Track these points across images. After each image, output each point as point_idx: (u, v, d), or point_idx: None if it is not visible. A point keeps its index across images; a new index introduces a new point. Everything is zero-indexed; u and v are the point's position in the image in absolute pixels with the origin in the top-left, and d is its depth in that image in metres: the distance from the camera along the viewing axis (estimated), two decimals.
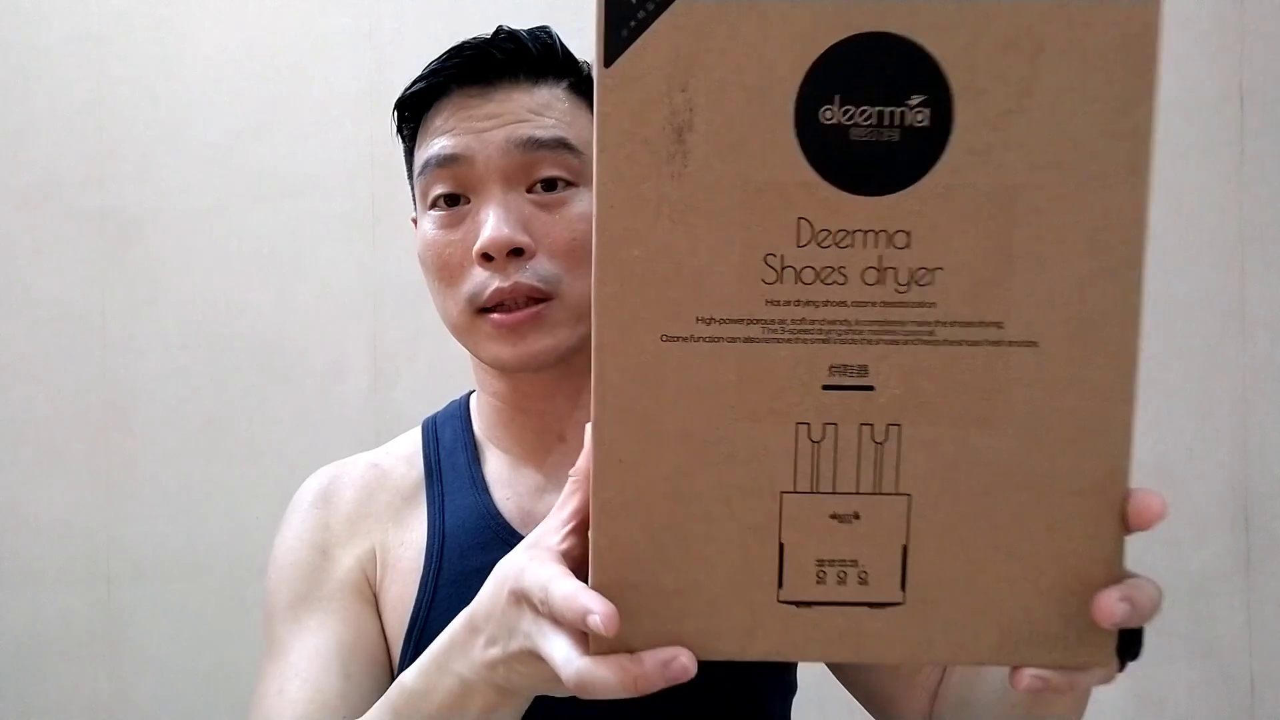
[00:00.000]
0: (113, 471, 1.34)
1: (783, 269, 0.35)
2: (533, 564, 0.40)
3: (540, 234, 0.59)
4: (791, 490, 0.37)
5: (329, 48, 1.34)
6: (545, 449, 0.66)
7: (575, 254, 0.60)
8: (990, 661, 0.38)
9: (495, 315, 0.59)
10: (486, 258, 0.59)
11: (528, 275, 0.58)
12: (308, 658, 0.60)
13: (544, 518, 0.61)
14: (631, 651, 0.37)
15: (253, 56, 1.34)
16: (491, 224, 0.58)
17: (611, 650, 0.37)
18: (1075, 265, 0.35)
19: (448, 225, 0.61)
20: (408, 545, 0.64)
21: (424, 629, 0.60)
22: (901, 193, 0.35)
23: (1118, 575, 0.37)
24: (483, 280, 0.59)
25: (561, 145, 0.60)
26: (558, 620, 0.38)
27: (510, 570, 0.42)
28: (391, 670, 0.62)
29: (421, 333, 1.33)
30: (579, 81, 0.64)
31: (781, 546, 0.37)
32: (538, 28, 0.64)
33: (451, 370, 1.35)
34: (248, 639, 1.32)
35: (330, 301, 1.34)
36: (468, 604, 0.55)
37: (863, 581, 0.37)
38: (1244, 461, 1.34)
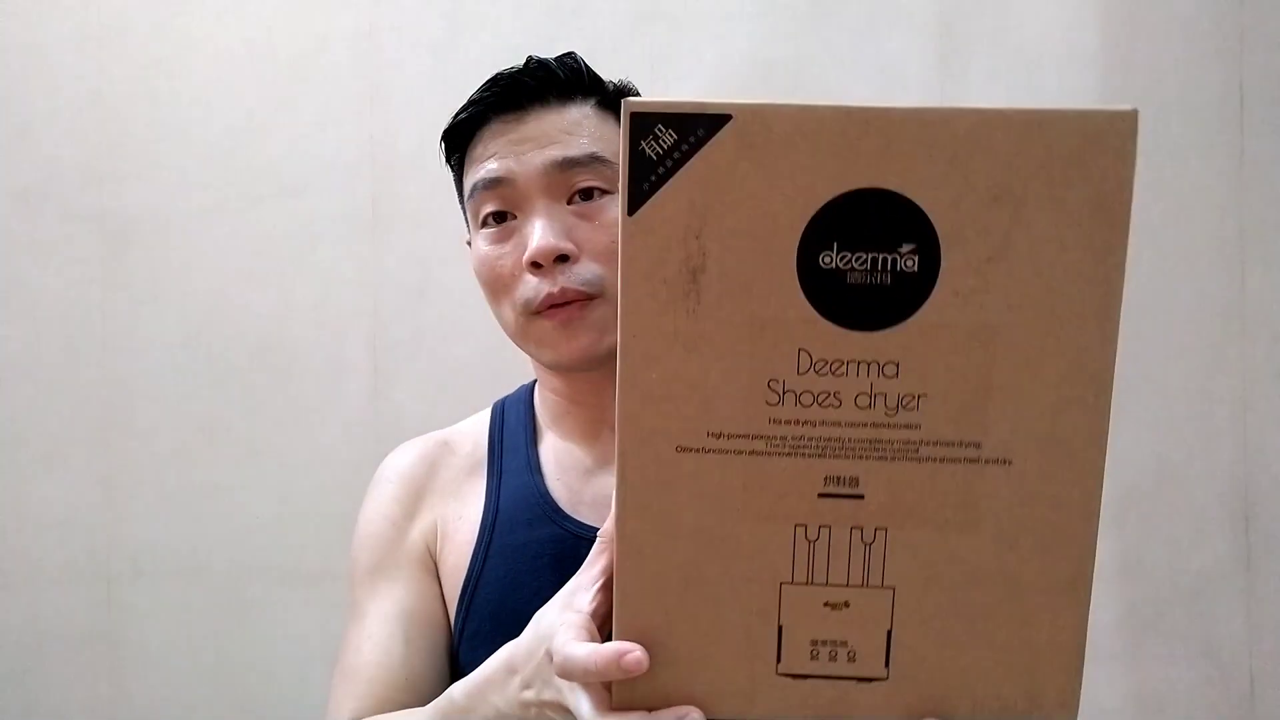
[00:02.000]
0: (113, 471, 1.34)
1: (784, 392, 0.40)
2: (564, 630, 0.46)
3: (582, 240, 0.66)
4: (790, 581, 0.42)
5: (329, 48, 1.34)
6: (596, 436, 0.72)
7: (615, 255, 0.64)
8: None
9: (547, 312, 0.66)
10: (536, 266, 0.65)
11: (574, 280, 0.65)
12: (379, 621, 0.69)
13: (589, 500, 0.70)
14: (650, 709, 0.43)
15: (253, 56, 1.34)
16: (538, 234, 0.65)
17: (631, 705, 0.43)
18: (1048, 394, 0.40)
19: (498, 240, 0.68)
20: (465, 519, 0.71)
21: (474, 595, 0.68)
22: (892, 329, 0.40)
23: (1078, 660, 0.42)
24: (535, 287, 0.66)
25: (594, 159, 0.67)
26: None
27: (545, 628, 0.48)
28: (449, 633, 0.70)
29: (421, 333, 1.33)
30: (605, 98, 0.71)
31: (780, 628, 0.43)
32: (565, 54, 0.70)
33: (452, 370, 1.35)
34: (248, 639, 1.33)
35: (330, 301, 1.34)
36: (514, 574, 0.67)
37: (851, 659, 0.43)
38: (1244, 461, 1.34)
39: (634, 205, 0.39)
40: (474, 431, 0.76)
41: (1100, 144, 0.38)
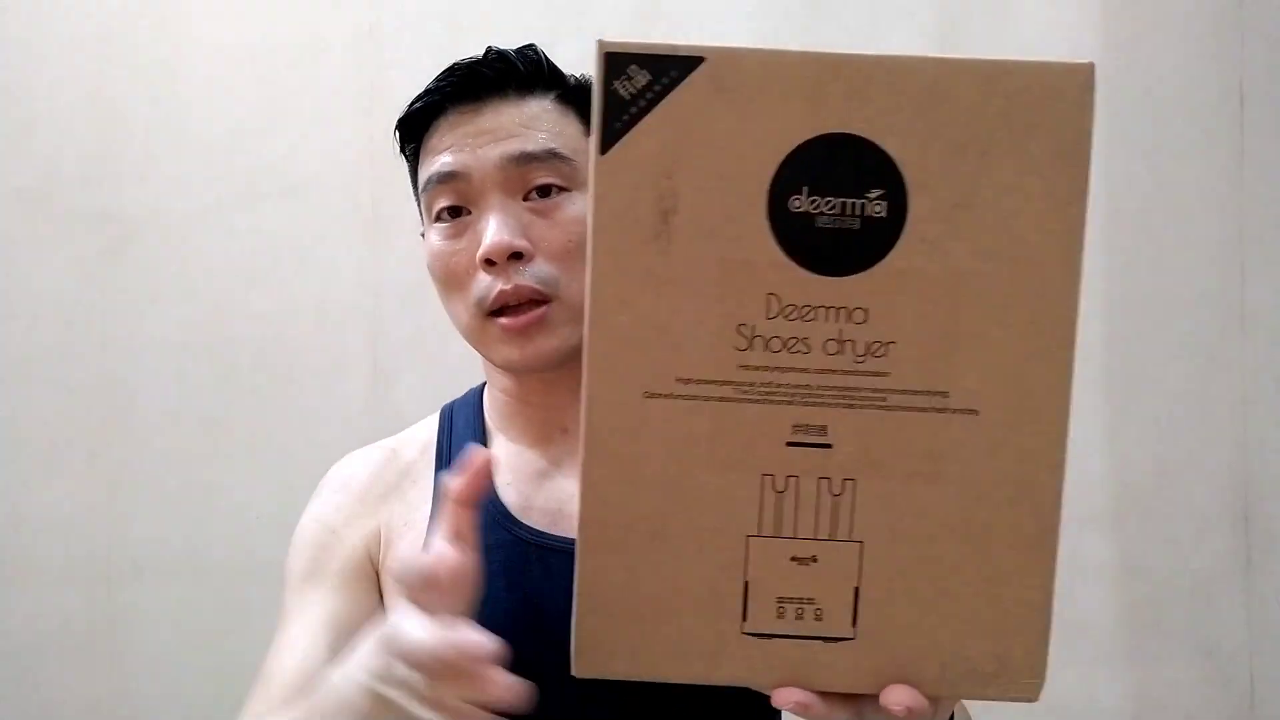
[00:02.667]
0: (113, 471, 1.34)
1: (753, 338, 0.40)
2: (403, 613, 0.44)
3: (537, 239, 0.64)
4: (756, 534, 0.41)
5: (329, 48, 1.34)
6: (548, 439, 0.70)
7: (571, 255, 0.64)
8: (931, 693, 0.42)
9: (503, 320, 0.64)
10: (489, 263, 0.63)
11: (528, 277, 0.63)
12: (304, 629, 0.67)
13: (540, 505, 0.67)
14: (612, 671, 0.43)
15: (253, 56, 1.34)
16: (492, 230, 0.63)
17: (593, 670, 0.43)
18: (1014, 344, 0.40)
19: (451, 236, 0.66)
20: (411, 525, 0.68)
21: None
22: (860, 274, 0.40)
23: (1046, 620, 0.42)
24: (487, 284, 0.64)
25: (552, 155, 0.65)
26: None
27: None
28: None
29: (421, 333, 1.33)
30: (566, 93, 0.68)
31: (746, 584, 0.42)
32: (525, 46, 0.69)
33: (452, 370, 1.35)
34: (248, 639, 1.32)
35: (330, 301, 1.34)
36: None
37: (818, 618, 0.42)
38: (1244, 461, 1.34)
39: (606, 145, 0.39)
40: (421, 438, 0.74)
41: (1059, 95, 0.39)
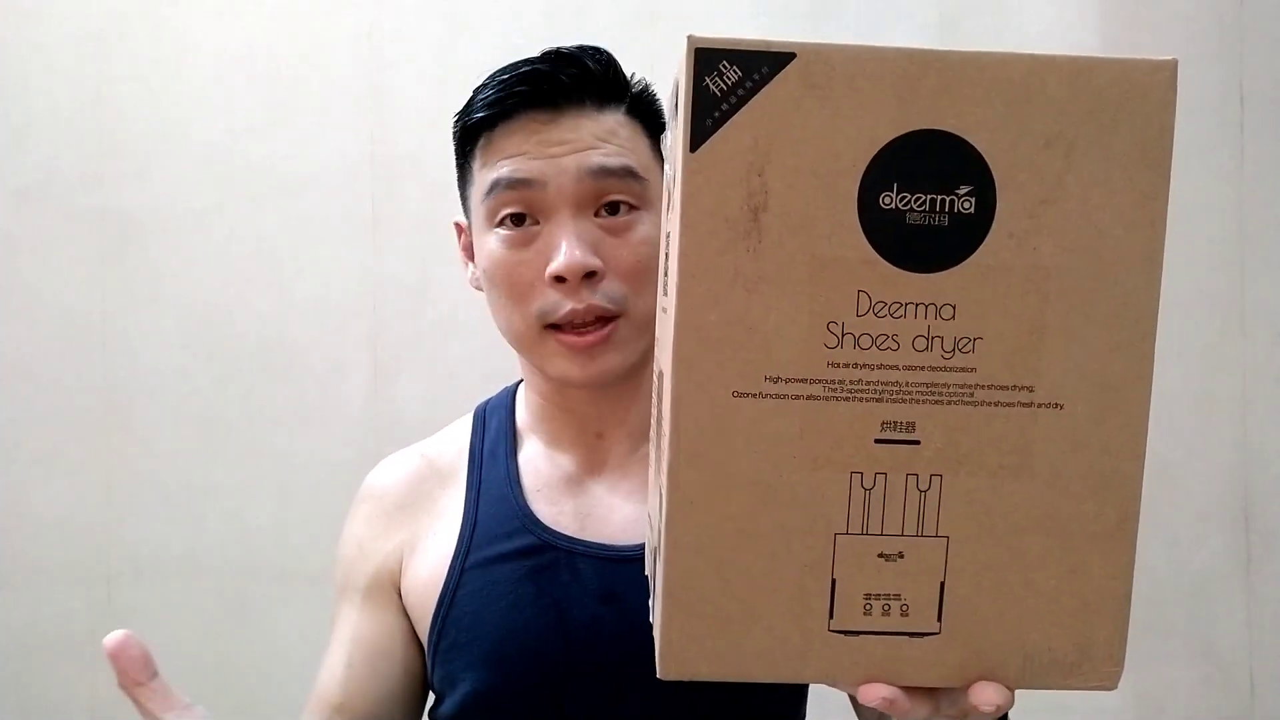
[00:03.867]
0: (113, 471, 1.34)
1: (843, 335, 0.40)
2: None
3: (608, 256, 0.63)
4: (844, 532, 0.41)
5: (329, 48, 1.34)
6: (584, 444, 0.70)
7: (640, 275, 0.63)
8: (1014, 685, 0.42)
9: (567, 336, 0.63)
10: (560, 280, 0.62)
11: (599, 297, 0.62)
12: (335, 645, 0.70)
13: (570, 511, 0.68)
14: (699, 673, 0.42)
15: (253, 56, 1.34)
16: (566, 249, 0.61)
17: (679, 672, 0.42)
18: (1098, 338, 0.40)
19: (517, 245, 0.64)
20: (441, 533, 0.69)
21: (449, 608, 0.67)
22: (949, 271, 0.39)
23: (1125, 610, 0.42)
24: (555, 300, 0.62)
25: (629, 174, 0.64)
26: None
27: None
28: (404, 659, 0.69)
29: (421, 333, 1.33)
30: (633, 104, 0.67)
31: (834, 581, 0.41)
32: (593, 49, 0.66)
33: (452, 370, 1.35)
34: (248, 639, 1.33)
35: (330, 301, 1.34)
36: (492, 586, 0.65)
37: (904, 614, 0.42)
38: (1244, 461, 1.34)
39: (696, 142, 0.39)
40: (456, 441, 0.74)
41: (1143, 92, 0.39)
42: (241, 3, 1.34)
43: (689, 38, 0.39)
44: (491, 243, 0.65)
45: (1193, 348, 1.32)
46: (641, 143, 0.66)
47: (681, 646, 0.42)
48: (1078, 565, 0.42)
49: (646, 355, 0.66)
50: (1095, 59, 0.39)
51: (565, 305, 0.62)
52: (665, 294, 0.45)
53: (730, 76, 0.39)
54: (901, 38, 1.32)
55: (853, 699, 0.70)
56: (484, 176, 0.65)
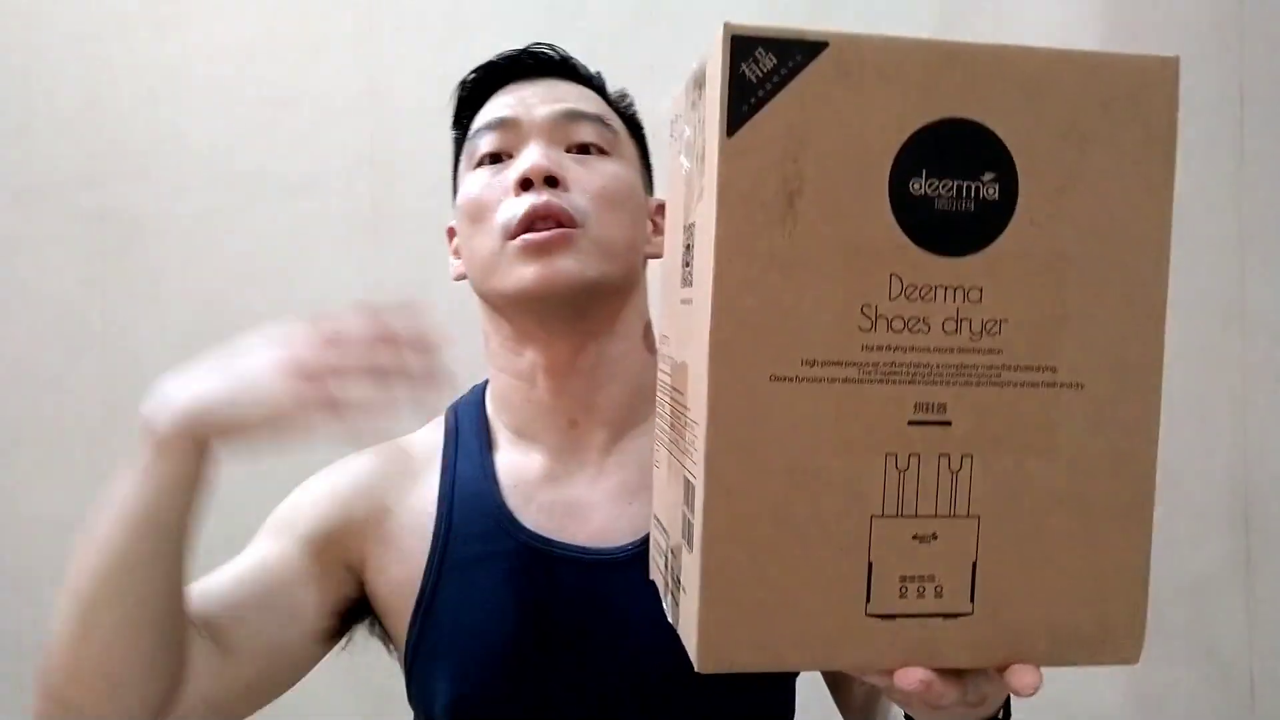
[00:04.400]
0: (113, 471, 1.34)
1: (876, 318, 0.40)
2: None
3: (573, 178, 0.64)
4: (880, 514, 0.42)
5: (329, 48, 1.34)
6: (556, 432, 0.68)
7: (605, 198, 0.65)
8: (1042, 662, 0.43)
9: (525, 235, 0.62)
10: (525, 185, 0.63)
11: (563, 200, 0.62)
12: (233, 561, 0.68)
13: (547, 509, 0.66)
14: (738, 663, 0.42)
15: (253, 56, 1.34)
16: (531, 154, 0.63)
17: (719, 664, 0.42)
18: (1114, 320, 0.42)
19: (491, 175, 0.66)
20: (413, 529, 0.67)
21: (429, 610, 0.65)
22: (975, 255, 0.41)
23: (1144, 586, 0.43)
24: (517, 203, 0.63)
25: (600, 120, 0.67)
26: None
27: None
28: (301, 615, 0.65)
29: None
30: (612, 103, 0.73)
31: (870, 565, 0.42)
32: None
33: (451, 370, 1.35)
34: None
35: (330, 301, 1.33)
36: (469, 590, 0.64)
37: (939, 595, 0.42)
38: (1244, 461, 1.34)
39: (733, 127, 0.39)
40: (429, 440, 0.72)
41: (1151, 86, 0.42)
42: (241, 3, 1.34)
43: (725, 25, 0.40)
44: (469, 182, 0.67)
45: (1193, 348, 1.32)
46: (618, 123, 0.71)
47: (720, 638, 0.42)
48: (1099, 543, 0.43)
49: (604, 279, 0.64)
50: (1106, 54, 0.41)
51: (526, 203, 0.62)
52: (687, 284, 0.45)
53: (766, 64, 0.39)
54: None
55: (836, 695, 0.72)
56: (471, 132, 0.69)
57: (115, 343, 1.34)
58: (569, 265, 0.62)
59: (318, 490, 0.70)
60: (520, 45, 0.72)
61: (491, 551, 0.65)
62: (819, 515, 0.41)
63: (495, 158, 0.66)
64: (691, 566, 0.43)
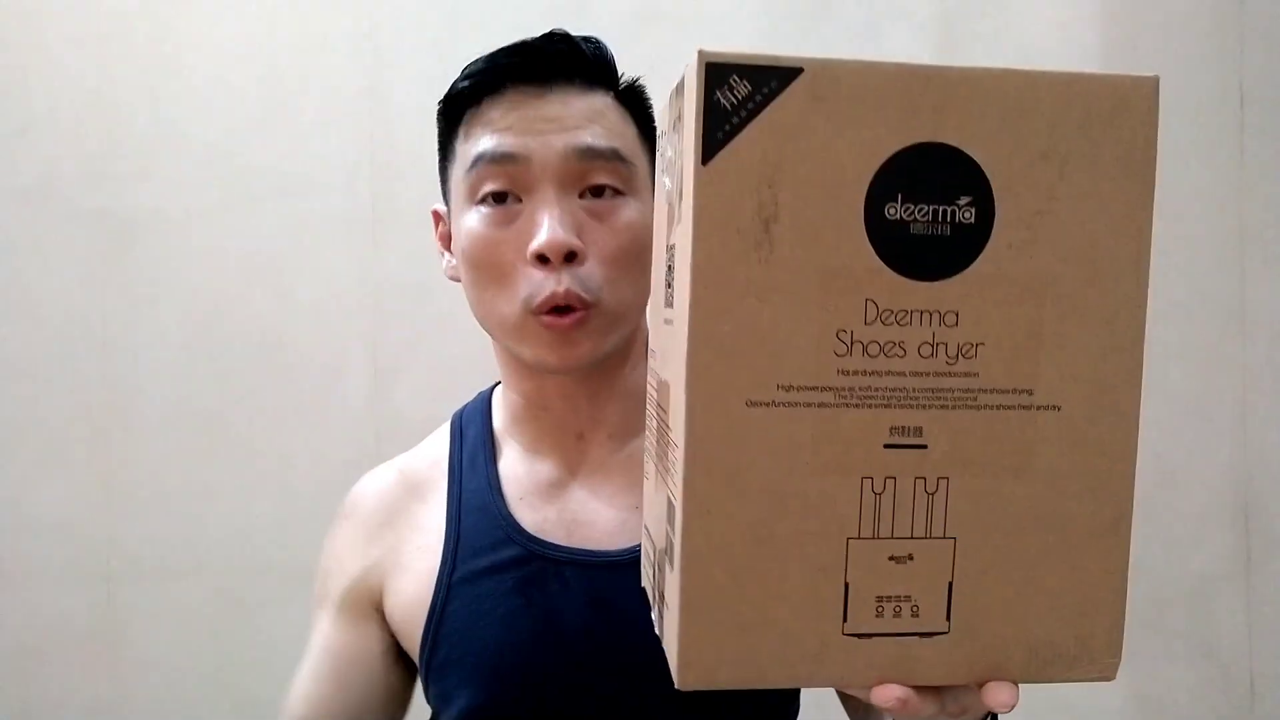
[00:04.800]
0: (113, 471, 1.34)
1: (852, 343, 0.41)
2: None
3: (590, 240, 0.61)
4: (856, 536, 0.42)
5: (329, 48, 1.34)
6: (563, 446, 0.69)
7: (620, 262, 0.62)
8: (1020, 678, 0.44)
9: (548, 316, 0.61)
10: (542, 260, 0.60)
11: (576, 283, 0.60)
12: (310, 657, 0.69)
13: (554, 518, 0.67)
14: (717, 680, 0.43)
15: (253, 56, 1.34)
16: (548, 227, 0.60)
17: (699, 681, 0.43)
18: (1092, 342, 0.42)
19: (498, 223, 0.62)
20: (425, 547, 0.68)
21: (439, 624, 0.65)
22: (951, 279, 0.41)
23: (1122, 603, 0.44)
24: (538, 282, 0.61)
25: (616, 156, 0.62)
26: None
27: None
28: (375, 671, 0.68)
29: (421, 333, 1.33)
30: (622, 93, 0.66)
31: (847, 585, 0.43)
32: (587, 36, 0.66)
33: (451, 370, 1.35)
34: (248, 639, 1.32)
35: (330, 301, 1.34)
36: (480, 599, 0.64)
37: (915, 614, 0.43)
38: (1244, 461, 1.34)
39: (708, 155, 0.39)
40: (432, 455, 0.72)
41: (1128, 106, 0.41)
42: (241, 3, 1.34)
43: (699, 52, 0.39)
44: (471, 220, 0.63)
45: (1193, 348, 1.32)
46: (630, 129, 0.65)
47: (700, 655, 0.43)
48: (1077, 562, 0.43)
49: (621, 350, 0.66)
50: (1083, 74, 0.41)
51: (547, 288, 0.60)
52: (669, 305, 0.45)
53: (740, 90, 0.39)
54: (902, 37, 1.32)
55: (845, 700, 0.72)
56: (467, 150, 0.63)
57: (115, 343, 1.34)
58: (585, 347, 0.62)
59: (339, 548, 0.72)
60: (523, 38, 0.67)
61: (500, 561, 0.65)
62: (797, 536, 0.42)
63: (500, 196, 0.62)
64: (673, 584, 0.44)
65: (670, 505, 0.44)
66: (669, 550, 0.45)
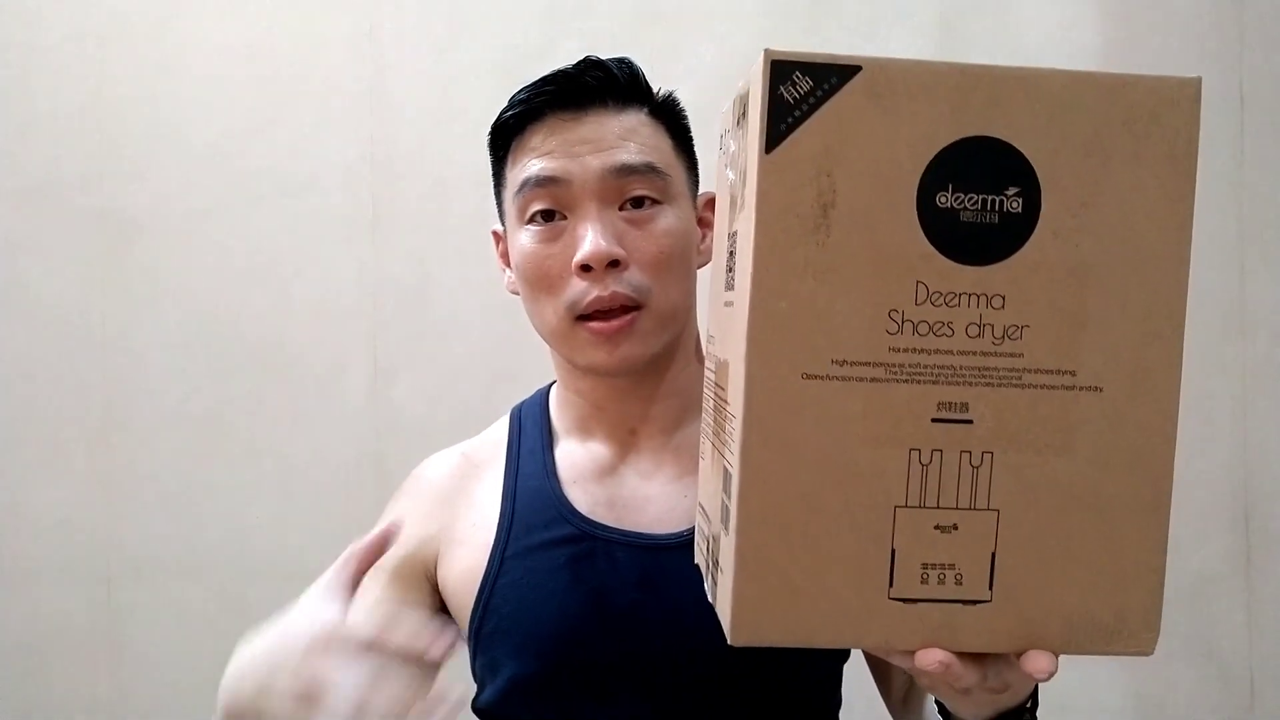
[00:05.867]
0: (113, 471, 1.34)
1: (903, 322, 0.44)
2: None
3: (631, 248, 0.67)
4: (904, 505, 0.45)
5: (329, 48, 1.34)
6: (617, 440, 0.74)
7: (662, 266, 0.68)
8: (1058, 649, 0.45)
9: (593, 323, 0.66)
10: (585, 269, 0.65)
11: (622, 285, 0.66)
12: (352, 612, 0.69)
13: (605, 502, 0.71)
14: (768, 639, 0.45)
15: (253, 56, 1.34)
16: (590, 239, 0.65)
17: (750, 638, 0.45)
18: (1134, 328, 0.45)
19: (546, 240, 0.68)
20: (479, 524, 0.72)
21: (490, 595, 0.69)
22: (998, 264, 0.44)
23: (1160, 578, 0.46)
24: (582, 290, 0.66)
25: (650, 169, 0.67)
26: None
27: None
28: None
29: (421, 333, 1.33)
30: (654, 108, 0.71)
31: (893, 552, 0.45)
32: (620, 59, 0.70)
33: (452, 370, 1.35)
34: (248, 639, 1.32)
35: (330, 301, 1.34)
36: (531, 574, 0.69)
37: (958, 582, 0.45)
38: (1244, 461, 1.34)
39: (771, 144, 0.43)
40: (494, 440, 0.77)
41: (1172, 106, 0.44)
42: (241, 3, 1.34)
43: (765, 51, 0.42)
44: (523, 239, 0.69)
45: (1193, 348, 1.31)
46: (664, 141, 0.70)
47: (753, 614, 0.45)
48: (1116, 538, 0.45)
49: (669, 349, 0.71)
50: (1129, 76, 0.44)
51: (591, 293, 0.65)
52: (730, 288, 0.49)
53: (802, 86, 0.42)
54: (902, 37, 1.32)
55: (881, 683, 0.75)
56: (514, 176, 0.69)
57: (115, 343, 1.34)
58: (635, 349, 0.67)
59: (397, 519, 0.73)
60: (523, 48, 0.70)
61: (553, 538, 0.69)
62: (846, 504, 0.44)
63: (547, 214, 0.67)
64: (728, 548, 0.46)
65: (727, 474, 0.47)
66: (725, 517, 0.47)
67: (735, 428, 0.45)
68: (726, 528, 0.47)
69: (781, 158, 0.43)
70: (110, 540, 1.34)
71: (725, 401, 0.48)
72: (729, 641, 0.45)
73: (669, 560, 0.67)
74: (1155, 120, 0.44)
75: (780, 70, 0.42)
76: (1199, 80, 0.44)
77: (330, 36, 1.34)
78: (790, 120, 0.43)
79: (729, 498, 0.46)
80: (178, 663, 1.33)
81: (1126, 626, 0.46)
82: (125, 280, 1.34)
